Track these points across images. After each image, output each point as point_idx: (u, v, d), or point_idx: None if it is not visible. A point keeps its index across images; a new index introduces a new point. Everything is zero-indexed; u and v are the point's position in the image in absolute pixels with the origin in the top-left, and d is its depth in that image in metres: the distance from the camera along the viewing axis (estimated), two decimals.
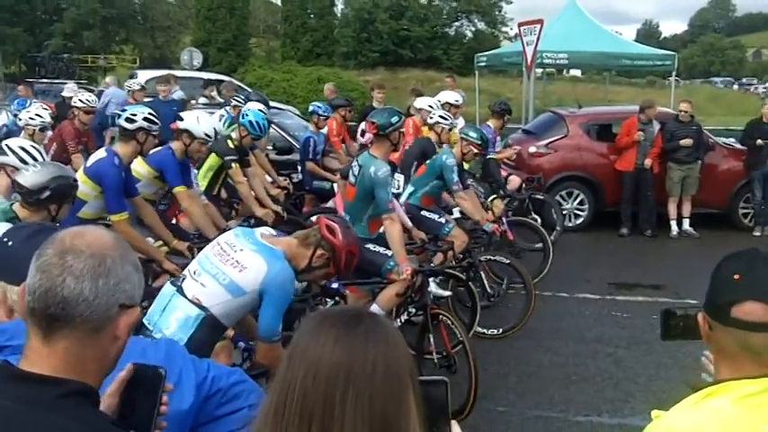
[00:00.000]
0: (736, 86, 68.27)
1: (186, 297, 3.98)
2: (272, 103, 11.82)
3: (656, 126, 12.04)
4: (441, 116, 8.98)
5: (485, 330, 7.44)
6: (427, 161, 8.09)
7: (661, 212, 12.12)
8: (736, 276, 1.90)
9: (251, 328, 4.34)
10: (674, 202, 12.24)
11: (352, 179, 6.37)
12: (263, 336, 4.01)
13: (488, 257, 8.10)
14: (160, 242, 6.42)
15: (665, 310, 2.16)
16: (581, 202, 12.52)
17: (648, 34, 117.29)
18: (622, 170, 12.11)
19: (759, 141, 11.94)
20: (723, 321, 1.90)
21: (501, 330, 7.57)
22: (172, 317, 3.96)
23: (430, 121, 9.09)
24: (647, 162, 11.92)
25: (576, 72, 46.52)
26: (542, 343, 7.51)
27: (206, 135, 6.88)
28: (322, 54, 39.31)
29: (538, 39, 15.96)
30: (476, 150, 8.06)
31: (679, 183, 12.13)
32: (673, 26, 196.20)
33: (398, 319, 6.16)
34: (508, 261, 8.02)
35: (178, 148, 6.80)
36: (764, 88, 62.52)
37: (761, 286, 1.88)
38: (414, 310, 6.18)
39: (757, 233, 12.31)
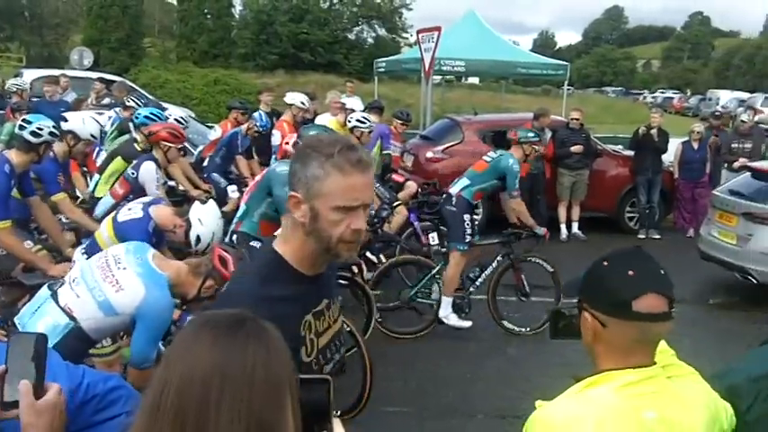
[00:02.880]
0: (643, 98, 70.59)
1: (58, 304, 3.87)
2: (164, 105, 11.61)
3: (549, 133, 12.34)
4: (358, 120, 9.12)
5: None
6: (489, 160, 8.08)
7: (552, 216, 12.43)
8: (631, 272, 1.97)
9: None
10: (564, 206, 12.59)
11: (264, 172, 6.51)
12: (135, 361, 3.91)
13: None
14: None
15: (554, 310, 2.22)
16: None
17: (544, 44, 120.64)
18: None
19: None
20: (623, 316, 1.95)
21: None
22: (40, 321, 3.84)
23: (348, 125, 9.20)
24: (539, 168, 12.14)
25: (474, 80, 47.23)
26: (441, 344, 7.60)
27: (92, 136, 6.86)
28: (219, 55, 38.85)
29: (436, 46, 16.13)
30: (537, 148, 8.33)
31: (569, 188, 12.49)
32: (568, 36, 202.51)
33: None
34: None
35: (60, 150, 6.66)
36: (653, 98, 64.91)
37: (653, 279, 1.98)
38: None
39: (642, 236, 12.77)
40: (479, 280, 8.05)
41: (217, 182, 9.76)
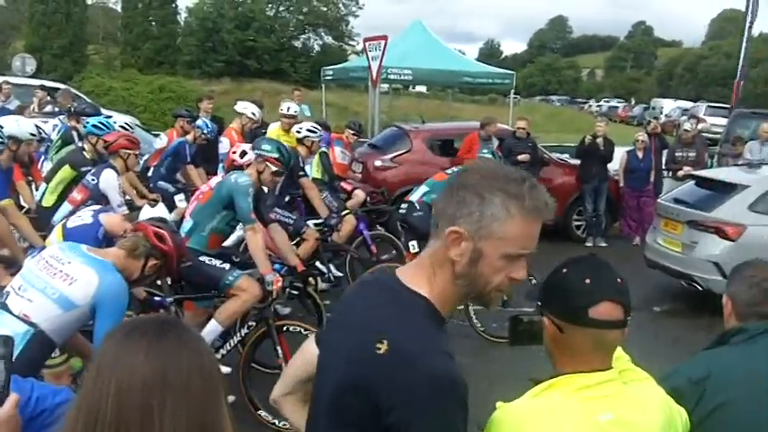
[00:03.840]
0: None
1: (12, 313, 3.76)
2: (108, 112, 11.44)
3: (495, 142, 12.39)
4: (309, 129, 9.09)
5: None
6: (450, 173, 8.12)
7: None
8: (588, 280, 2.01)
9: (83, 349, 4.13)
10: None
11: (213, 183, 6.30)
12: None
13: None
14: None
15: (513, 317, 2.23)
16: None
17: (490, 53, 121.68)
18: None
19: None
20: (580, 323, 1.99)
21: None
22: None
23: (298, 135, 9.14)
24: None
25: (422, 88, 47.48)
26: None
27: (31, 134, 6.82)
28: (164, 63, 38.39)
29: (383, 54, 16.16)
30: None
31: None
32: (513, 46, 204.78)
33: (238, 334, 6.01)
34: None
35: (5, 156, 6.53)
36: (598, 107, 65.88)
37: (609, 287, 2.02)
38: (254, 324, 6.01)
39: (589, 244, 12.89)
40: None
41: (164, 189, 9.61)
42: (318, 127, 9.43)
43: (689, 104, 45.47)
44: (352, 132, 11.07)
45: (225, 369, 5.97)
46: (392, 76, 19.55)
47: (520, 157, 12.28)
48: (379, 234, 9.88)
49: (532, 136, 13.09)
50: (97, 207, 5.73)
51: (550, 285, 2.11)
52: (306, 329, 5.89)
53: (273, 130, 10.98)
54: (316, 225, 8.51)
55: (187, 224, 6.14)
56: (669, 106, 47.84)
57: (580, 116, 51.21)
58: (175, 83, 31.75)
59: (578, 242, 12.97)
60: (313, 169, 9.76)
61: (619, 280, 2.05)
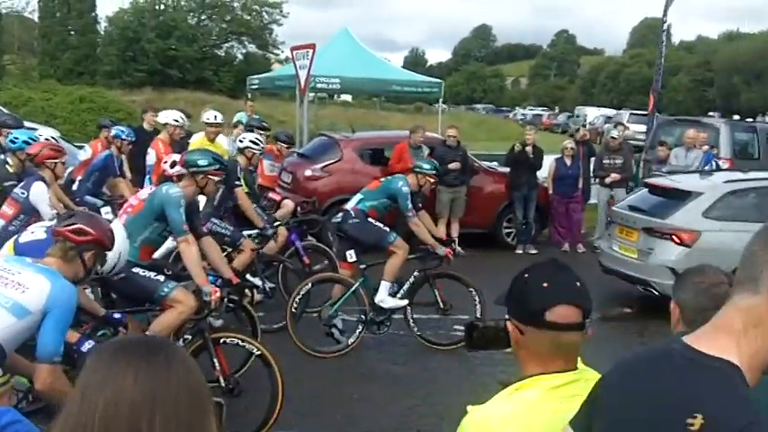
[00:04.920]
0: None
1: None
2: (32, 125, 11.05)
3: (426, 151, 12.33)
4: (252, 141, 8.99)
5: None
6: (382, 180, 8.41)
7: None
8: (545, 284, 2.08)
9: (22, 366, 4.06)
10: (444, 223, 12.57)
11: (144, 195, 6.22)
12: (45, 356, 3.84)
13: None
14: None
15: (469, 323, 2.30)
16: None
17: (415, 62, 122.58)
18: None
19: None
20: (537, 325, 2.06)
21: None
22: None
23: (240, 145, 9.03)
24: None
25: (347, 97, 47.46)
26: (326, 364, 7.49)
27: None
28: (84, 73, 37.50)
29: (311, 63, 15.99)
30: (432, 181, 8.37)
31: (448, 204, 12.50)
32: (438, 54, 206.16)
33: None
34: None
35: None
36: (523, 115, 66.81)
37: (567, 291, 2.09)
38: (190, 337, 5.89)
39: (519, 251, 12.92)
40: (398, 295, 8.01)
41: (92, 203, 9.32)
42: (261, 140, 9.26)
43: (612, 112, 46.36)
44: (285, 145, 10.80)
45: None
46: (320, 85, 19.33)
47: (451, 166, 12.23)
48: (311, 244, 9.70)
49: (462, 144, 13.06)
50: (50, 223, 5.54)
51: (513, 289, 2.16)
52: (243, 341, 5.88)
53: (197, 140, 10.71)
54: (251, 236, 8.37)
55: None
56: (593, 114, 48.78)
57: (506, 124, 51.92)
58: (96, 93, 30.92)
59: (508, 249, 12.98)
60: None
61: (578, 284, 2.11)
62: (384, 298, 7.89)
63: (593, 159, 13.82)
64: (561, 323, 2.04)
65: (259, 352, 5.82)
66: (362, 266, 8.08)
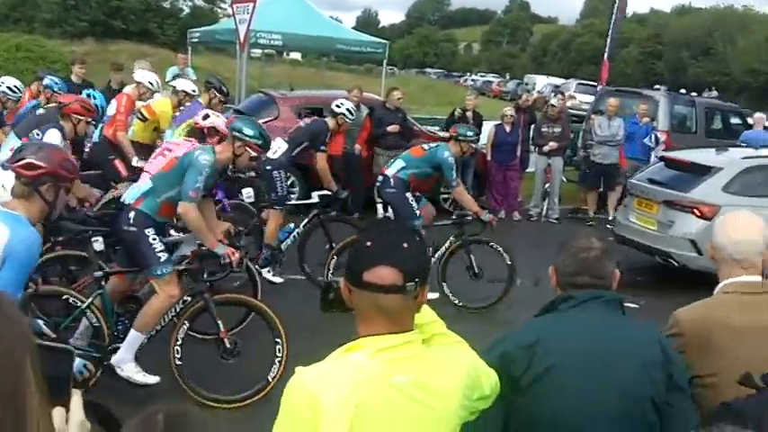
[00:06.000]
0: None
1: None
2: None
3: (365, 111, 12.13)
4: (348, 109, 9.32)
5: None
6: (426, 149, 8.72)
7: (369, 196, 12.24)
8: (368, 243, 2.09)
9: None
10: None
11: (178, 152, 6.12)
12: None
13: None
14: None
15: (326, 283, 2.29)
16: (292, 184, 12.38)
17: (367, 22, 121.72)
18: (331, 154, 12.06)
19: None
20: (358, 285, 2.06)
21: None
22: None
23: (336, 110, 9.33)
24: (357, 147, 12.04)
25: (297, 55, 46.83)
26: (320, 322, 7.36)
27: None
28: (21, 19, 36.32)
29: (251, 18, 15.58)
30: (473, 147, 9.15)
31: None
32: (391, 15, 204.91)
33: (172, 309, 5.84)
34: None
35: None
36: (473, 81, 66.65)
37: (388, 252, 2.06)
38: (189, 298, 5.91)
39: (455, 216, 12.79)
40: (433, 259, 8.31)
41: None
42: (354, 111, 9.63)
43: (560, 81, 46.45)
44: (218, 96, 10.31)
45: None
46: (261, 41, 18.94)
47: (389, 128, 12.08)
48: (237, 203, 9.46)
49: (404, 107, 12.88)
50: None
51: (352, 249, 2.21)
52: (245, 302, 6.20)
53: (161, 102, 10.22)
54: (321, 197, 8.98)
55: (145, 185, 5.91)
56: (541, 82, 48.76)
57: (456, 90, 51.61)
58: (34, 42, 29.90)
59: (446, 213, 12.86)
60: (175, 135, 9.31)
61: (405, 245, 2.08)
62: None
63: (532, 127, 13.75)
64: (377, 284, 2.03)
65: (258, 308, 6.03)
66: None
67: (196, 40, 22.62)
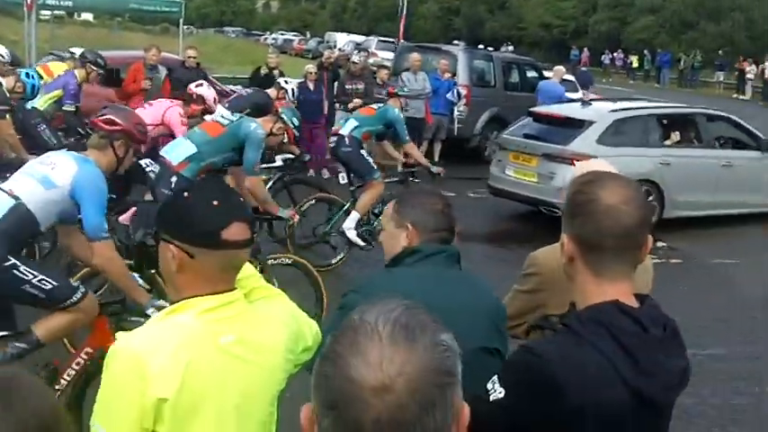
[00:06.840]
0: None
1: (2, 190, 4.25)
2: None
3: (163, 72, 11.82)
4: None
5: None
6: (375, 106, 9.12)
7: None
8: (216, 203, 2.04)
9: (73, 245, 4.63)
10: None
11: (223, 120, 6.58)
12: (92, 235, 4.29)
13: None
14: None
15: (141, 243, 2.63)
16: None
17: None
18: None
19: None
20: (212, 246, 2.02)
21: None
22: None
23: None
24: None
25: (88, 16, 44.70)
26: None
27: None
28: None
29: None
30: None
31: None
32: None
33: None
34: None
35: None
36: (273, 39, 65.98)
37: (238, 208, 2.09)
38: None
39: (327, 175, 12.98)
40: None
41: None
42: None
43: (361, 38, 46.91)
44: (96, 69, 9.99)
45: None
46: (50, 2, 18.02)
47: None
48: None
49: (202, 66, 12.63)
50: None
51: (174, 211, 2.12)
52: (292, 260, 6.59)
53: None
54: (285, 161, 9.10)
55: (189, 149, 6.23)
56: (342, 40, 49.02)
57: (256, 48, 50.92)
58: None
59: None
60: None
61: (241, 199, 2.18)
62: (351, 227, 8.35)
63: (336, 84, 13.85)
64: (236, 241, 2.04)
65: (300, 263, 6.52)
66: (352, 188, 8.81)
67: None
